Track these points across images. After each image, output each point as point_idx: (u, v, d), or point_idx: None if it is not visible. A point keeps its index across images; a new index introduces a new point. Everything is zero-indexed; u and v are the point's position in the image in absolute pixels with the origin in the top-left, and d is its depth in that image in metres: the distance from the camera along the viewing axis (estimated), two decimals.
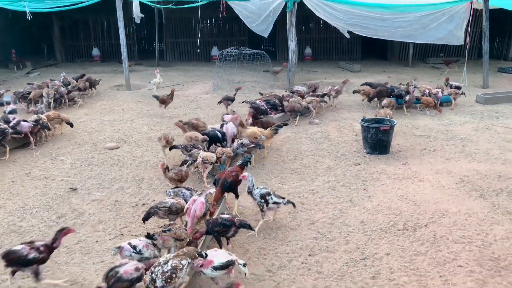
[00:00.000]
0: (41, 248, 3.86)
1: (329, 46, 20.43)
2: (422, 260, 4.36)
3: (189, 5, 14.89)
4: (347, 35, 13.55)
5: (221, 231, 4.31)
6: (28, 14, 13.38)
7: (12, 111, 8.82)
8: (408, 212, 5.34)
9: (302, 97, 9.85)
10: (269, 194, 4.97)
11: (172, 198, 4.80)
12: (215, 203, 4.96)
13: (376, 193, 5.93)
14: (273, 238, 4.83)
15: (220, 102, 10.10)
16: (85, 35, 20.68)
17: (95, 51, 20.43)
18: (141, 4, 14.18)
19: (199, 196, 4.65)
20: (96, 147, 7.96)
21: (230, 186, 5.13)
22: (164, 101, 10.15)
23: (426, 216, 5.23)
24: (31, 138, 7.82)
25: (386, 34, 13.10)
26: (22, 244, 3.90)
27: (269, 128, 7.44)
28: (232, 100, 9.96)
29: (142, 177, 6.52)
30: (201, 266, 3.69)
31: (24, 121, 7.77)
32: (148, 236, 3.98)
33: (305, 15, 17.46)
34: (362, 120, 7.63)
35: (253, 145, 6.78)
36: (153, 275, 3.44)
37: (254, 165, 6.95)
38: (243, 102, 10.10)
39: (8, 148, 7.38)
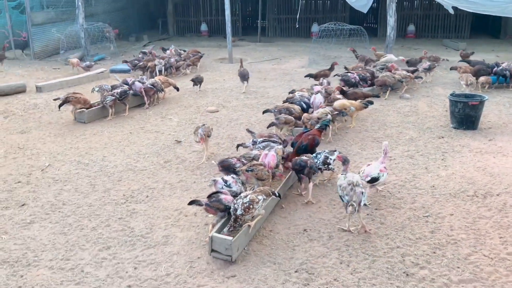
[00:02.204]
0: (244, 162, 5.14)
1: (434, 23, 19.50)
2: (485, 223, 4.57)
3: None
4: (451, 11, 13.00)
5: (298, 169, 5.13)
6: None
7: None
8: (482, 182, 5.46)
9: (390, 71, 9.91)
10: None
11: (257, 150, 5.54)
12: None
13: (454, 163, 6.08)
14: None
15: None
16: (195, 12, 22.32)
17: (203, 27, 21.97)
18: None
19: (269, 150, 5.31)
20: (199, 110, 9.01)
21: (306, 148, 5.70)
22: (325, 75, 10.04)
23: (501, 187, 5.32)
24: (146, 99, 9.12)
25: (496, 9, 12.31)
26: (233, 158, 5.24)
27: (359, 101, 7.77)
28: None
29: (235, 136, 7.38)
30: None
31: (139, 81, 9.09)
32: (234, 172, 4.83)
33: None
34: (451, 94, 7.63)
35: (336, 112, 7.23)
36: (235, 205, 4.23)
37: (337, 131, 7.42)
38: (335, 75, 10.47)
39: (127, 106, 8.74)
